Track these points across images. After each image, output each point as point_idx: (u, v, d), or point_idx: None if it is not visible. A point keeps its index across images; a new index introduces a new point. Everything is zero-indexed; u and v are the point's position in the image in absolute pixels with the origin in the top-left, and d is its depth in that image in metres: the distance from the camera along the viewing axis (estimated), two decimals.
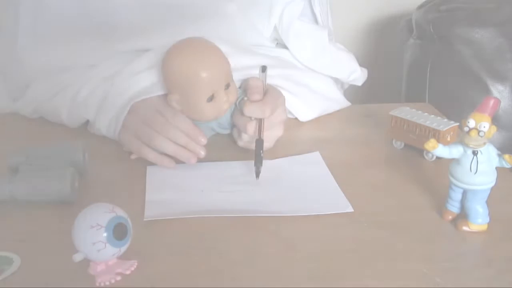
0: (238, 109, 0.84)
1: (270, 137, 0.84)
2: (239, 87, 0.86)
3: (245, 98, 0.83)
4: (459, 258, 0.62)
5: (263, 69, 0.88)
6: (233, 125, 0.86)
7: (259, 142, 0.80)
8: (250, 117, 0.82)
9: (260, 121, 0.82)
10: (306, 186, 0.77)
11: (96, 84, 0.88)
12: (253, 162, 0.78)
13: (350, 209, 0.71)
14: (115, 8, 0.92)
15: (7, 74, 1.00)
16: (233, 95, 0.81)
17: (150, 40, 0.89)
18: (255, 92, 0.83)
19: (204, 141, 0.80)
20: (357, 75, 1.04)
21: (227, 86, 0.80)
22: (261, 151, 0.79)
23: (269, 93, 0.85)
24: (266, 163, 0.81)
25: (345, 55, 1.03)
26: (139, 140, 0.81)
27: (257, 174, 0.77)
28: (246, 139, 0.84)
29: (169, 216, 0.69)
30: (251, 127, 0.81)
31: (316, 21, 1.04)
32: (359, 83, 1.07)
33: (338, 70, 1.02)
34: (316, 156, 0.85)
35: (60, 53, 0.92)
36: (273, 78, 0.91)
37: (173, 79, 0.79)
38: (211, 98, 0.79)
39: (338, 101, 1.02)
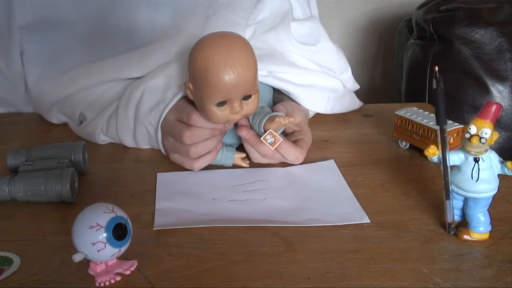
0: (257, 127, 0.76)
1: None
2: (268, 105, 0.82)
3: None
4: (459, 258, 0.62)
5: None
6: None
7: None
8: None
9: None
10: (320, 195, 0.74)
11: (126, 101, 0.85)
12: (265, 170, 0.78)
13: (366, 220, 0.68)
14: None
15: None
16: (250, 108, 0.74)
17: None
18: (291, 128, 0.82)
19: (229, 126, 0.77)
20: (349, 75, 1.01)
21: (247, 97, 0.73)
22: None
23: (305, 138, 0.81)
24: (279, 171, 0.80)
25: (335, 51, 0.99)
26: (180, 155, 0.79)
27: None
28: (257, 157, 0.79)
29: (179, 225, 0.66)
30: (270, 155, 0.78)
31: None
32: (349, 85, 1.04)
33: (330, 60, 0.98)
34: (330, 164, 0.82)
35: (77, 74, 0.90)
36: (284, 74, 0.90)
37: (192, 70, 0.73)
38: (222, 104, 0.73)
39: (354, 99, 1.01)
